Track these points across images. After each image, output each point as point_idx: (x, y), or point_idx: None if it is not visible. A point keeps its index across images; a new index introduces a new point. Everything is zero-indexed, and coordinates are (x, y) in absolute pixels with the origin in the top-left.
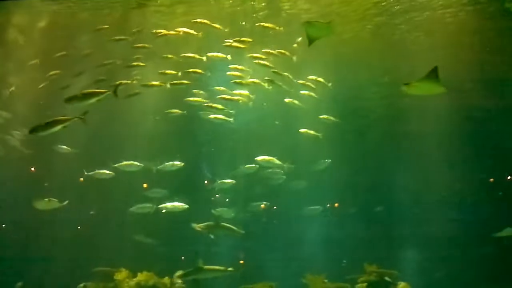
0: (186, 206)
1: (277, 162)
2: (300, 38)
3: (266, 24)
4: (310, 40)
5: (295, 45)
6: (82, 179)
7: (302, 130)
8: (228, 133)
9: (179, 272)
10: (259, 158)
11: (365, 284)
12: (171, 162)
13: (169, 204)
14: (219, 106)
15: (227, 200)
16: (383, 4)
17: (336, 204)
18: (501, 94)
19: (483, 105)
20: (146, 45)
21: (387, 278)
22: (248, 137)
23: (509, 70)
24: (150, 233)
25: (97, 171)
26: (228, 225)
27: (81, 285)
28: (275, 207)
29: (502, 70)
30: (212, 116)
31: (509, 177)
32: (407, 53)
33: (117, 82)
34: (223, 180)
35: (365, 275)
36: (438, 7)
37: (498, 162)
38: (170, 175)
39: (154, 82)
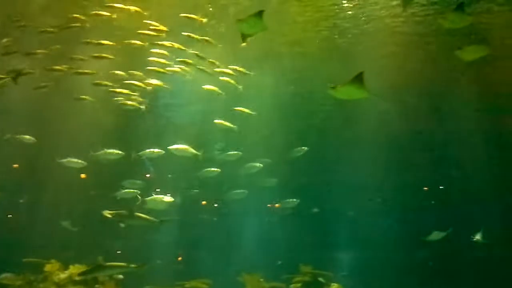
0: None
1: (192, 151)
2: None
3: (190, 15)
4: (244, 37)
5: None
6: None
7: (217, 121)
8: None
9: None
10: (172, 147)
11: (299, 284)
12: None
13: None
14: (125, 91)
15: (168, 194)
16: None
17: (277, 205)
18: (439, 105)
19: (424, 116)
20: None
21: (321, 279)
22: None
23: (449, 83)
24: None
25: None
26: (142, 215)
27: (2, 275)
28: (216, 205)
29: (443, 82)
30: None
31: (441, 187)
32: (355, 59)
33: (17, 70)
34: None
35: (300, 276)
36: (387, 16)
37: (433, 171)
38: (109, 167)
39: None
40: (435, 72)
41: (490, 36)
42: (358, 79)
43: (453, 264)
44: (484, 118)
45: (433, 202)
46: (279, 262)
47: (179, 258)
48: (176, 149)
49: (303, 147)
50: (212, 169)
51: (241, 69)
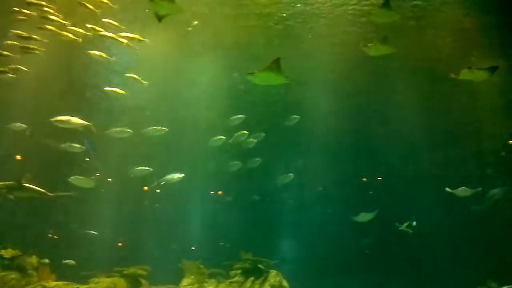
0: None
1: (77, 121)
2: (195, 22)
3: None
4: (159, 17)
5: (189, 28)
6: None
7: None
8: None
9: None
10: (56, 118)
11: (239, 271)
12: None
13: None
14: None
15: (109, 180)
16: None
17: (219, 192)
18: (379, 98)
19: (364, 109)
20: None
21: (260, 266)
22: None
23: (395, 78)
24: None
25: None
26: (33, 186)
27: None
28: (158, 191)
29: (385, 76)
30: None
31: (379, 178)
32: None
33: None
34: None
35: (240, 262)
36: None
37: (372, 163)
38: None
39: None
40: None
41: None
42: (276, 65)
43: (391, 253)
44: (421, 111)
45: (371, 192)
46: (222, 243)
47: (120, 244)
48: (60, 120)
49: (244, 131)
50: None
51: (137, 36)
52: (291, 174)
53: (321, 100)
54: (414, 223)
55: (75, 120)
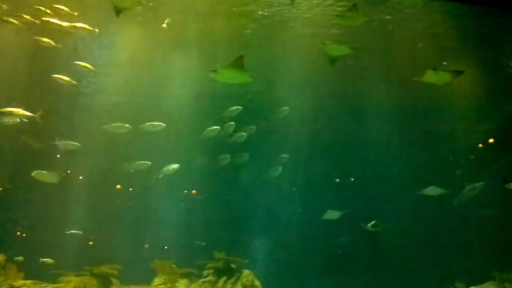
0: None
1: (21, 112)
2: (168, 19)
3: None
4: (117, 10)
5: (164, 25)
6: None
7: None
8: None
9: None
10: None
11: (211, 271)
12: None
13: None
14: None
15: (80, 177)
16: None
17: (193, 191)
18: (353, 100)
19: (332, 109)
20: None
21: (233, 265)
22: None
23: (368, 80)
24: None
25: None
26: None
27: None
28: (130, 189)
29: (359, 79)
30: None
31: (352, 179)
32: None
33: None
34: None
35: (213, 262)
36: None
37: (345, 165)
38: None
39: None
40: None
41: None
42: (238, 63)
43: (363, 253)
44: (394, 114)
45: (343, 193)
46: (196, 243)
47: (91, 243)
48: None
49: (216, 127)
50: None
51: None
52: (279, 167)
53: (295, 101)
54: (375, 222)
55: (19, 111)
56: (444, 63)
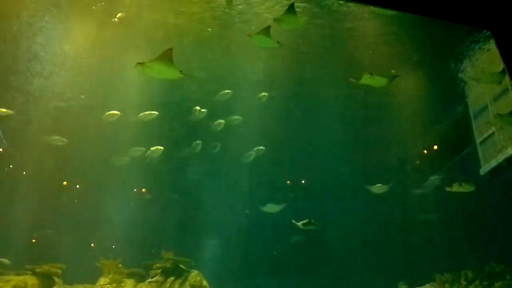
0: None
1: None
2: (120, 14)
3: None
4: None
5: (115, 19)
6: None
7: None
8: None
9: None
10: None
11: (159, 271)
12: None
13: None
14: None
15: (23, 173)
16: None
17: (143, 190)
18: (306, 103)
19: (284, 111)
20: None
21: (182, 266)
22: None
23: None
24: None
25: None
26: None
27: None
28: (77, 186)
29: (312, 83)
30: None
31: (303, 181)
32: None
33: None
34: None
35: (161, 262)
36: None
37: (297, 167)
38: None
39: None
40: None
41: None
42: (167, 56)
43: (310, 254)
44: (345, 119)
45: (293, 195)
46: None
47: (34, 240)
48: None
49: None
50: None
51: None
52: (261, 147)
53: (250, 101)
54: (308, 220)
55: None
56: (392, 71)
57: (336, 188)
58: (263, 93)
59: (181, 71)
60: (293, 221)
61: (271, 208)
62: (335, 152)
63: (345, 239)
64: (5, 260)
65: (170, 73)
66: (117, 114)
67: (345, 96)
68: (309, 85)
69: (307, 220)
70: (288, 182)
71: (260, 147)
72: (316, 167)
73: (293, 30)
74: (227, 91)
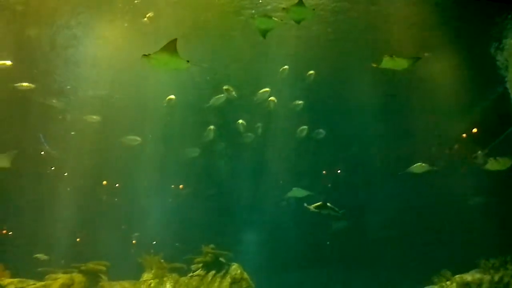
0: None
1: None
2: (150, 13)
3: None
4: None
5: (145, 19)
6: None
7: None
8: None
9: None
10: None
11: (200, 265)
12: None
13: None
14: None
15: (65, 174)
16: None
17: (181, 186)
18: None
19: (316, 99)
20: None
21: (221, 259)
22: None
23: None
24: None
25: None
26: None
27: None
28: (117, 185)
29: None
30: None
31: (339, 171)
32: None
33: None
34: None
35: (201, 256)
36: None
37: (332, 156)
38: None
39: None
40: None
41: None
42: (171, 47)
43: (351, 244)
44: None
45: (329, 185)
46: (177, 244)
47: (78, 240)
48: None
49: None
50: None
51: None
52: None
53: (279, 93)
54: (321, 203)
55: None
56: (426, 54)
57: (374, 175)
58: (297, 102)
59: (187, 61)
60: (305, 205)
61: (297, 192)
62: (372, 138)
63: (385, 226)
64: (42, 256)
65: (176, 63)
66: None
67: (379, 81)
68: (341, 72)
69: (320, 203)
70: (324, 172)
71: (303, 127)
72: (353, 155)
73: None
74: (266, 89)
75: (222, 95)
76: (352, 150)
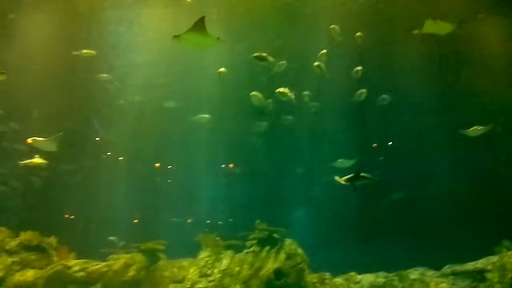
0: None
1: None
2: None
3: None
4: None
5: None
6: None
7: None
8: None
9: None
10: None
11: (255, 241)
12: None
13: None
14: None
15: (120, 158)
16: None
17: (231, 165)
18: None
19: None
20: None
21: (275, 235)
22: None
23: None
24: None
25: None
26: None
27: None
28: (169, 166)
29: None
30: None
31: (390, 143)
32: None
33: None
34: None
35: (255, 233)
36: None
37: (382, 129)
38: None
39: None
40: None
41: None
42: (200, 25)
43: (406, 217)
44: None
45: (381, 157)
46: (230, 220)
47: (135, 221)
48: None
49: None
50: None
51: None
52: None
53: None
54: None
55: None
56: (480, 15)
57: (426, 146)
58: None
59: (218, 38)
60: (336, 178)
61: (342, 163)
62: (424, 108)
63: (441, 197)
64: (114, 238)
65: (206, 41)
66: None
67: (433, 51)
68: (391, 43)
69: (351, 175)
70: (375, 145)
71: (362, 90)
72: (405, 125)
73: None
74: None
75: (283, 61)
76: (406, 118)
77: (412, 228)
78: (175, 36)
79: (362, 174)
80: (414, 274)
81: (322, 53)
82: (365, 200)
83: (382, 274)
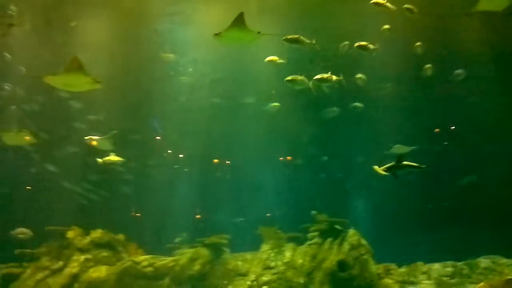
0: None
1: None
2: None
3: None
4: None
5: None
6: None
7: None
8: None
9: None
10: None
11: (316, 233)
12: None
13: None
14: None
15: (180, 155)
16: None
17: (288, 158)
18: None
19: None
20: None
21: (337, 226)
22: None
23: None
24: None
25: None
26: None
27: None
28: (228, 162)
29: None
30: None
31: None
32: None
33: None
34: None
35: (316, 224)
36: None
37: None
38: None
39: None
40: None
41: None
42: (239, 21)
43: (469, 204)
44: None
45: (446, 143)
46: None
47: (198, 216)
48: None
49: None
50: None
51: None
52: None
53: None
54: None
55: None
56: None
57: (489, 130)
58: None
59: (259, 32)
60: (375, 167)
61: (399, 149)
62: (485, 92)
63: (504, 184)
64: (183, 235)
65: (247, 36)
66: None
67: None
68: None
69: (392, 163)
70: (437, 130)
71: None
72: (466, 110)
73: None
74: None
75: (347, 42)
76: (468, 102)
77: (481, 214)
78: (216, 34)
79: (405, 162)
80: (484, 262)
81: (384, 28)
82: (431, 186)
83: (450, 263)
